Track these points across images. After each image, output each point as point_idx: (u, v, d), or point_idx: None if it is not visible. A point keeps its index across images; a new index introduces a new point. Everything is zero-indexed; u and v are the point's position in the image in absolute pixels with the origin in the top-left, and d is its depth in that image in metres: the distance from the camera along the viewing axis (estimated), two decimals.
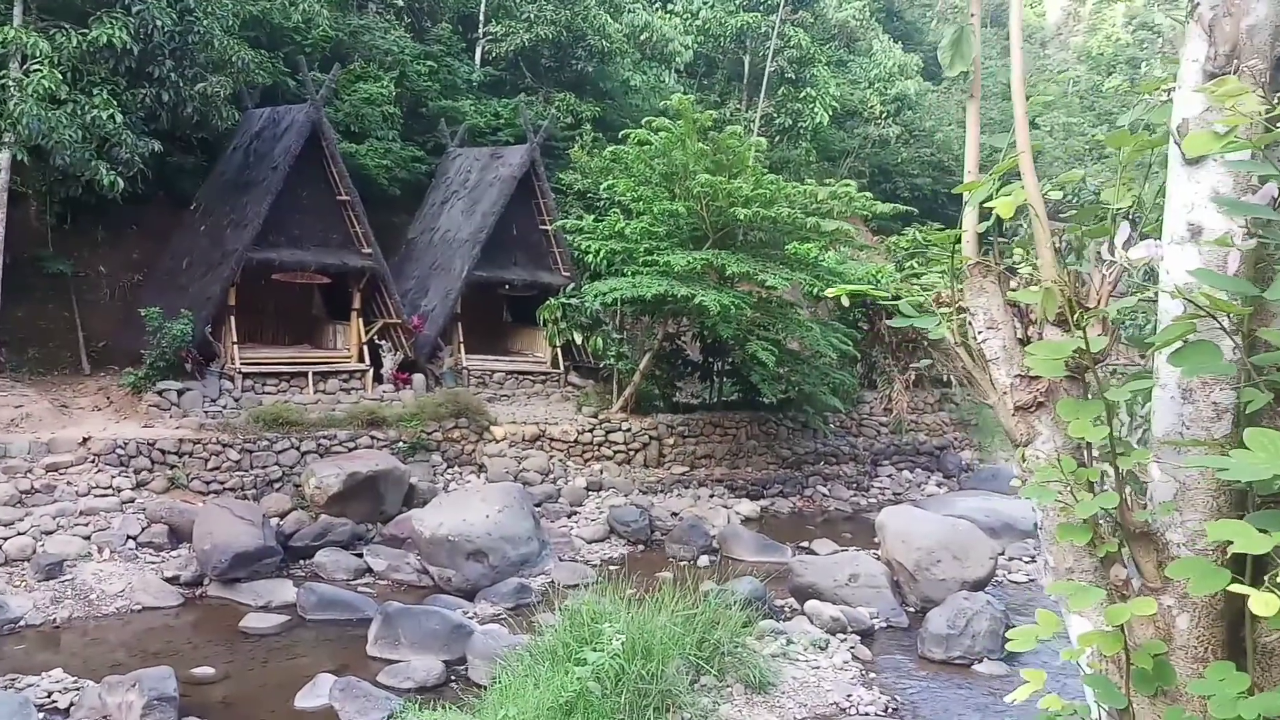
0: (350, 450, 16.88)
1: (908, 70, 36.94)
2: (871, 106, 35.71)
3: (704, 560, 16.39)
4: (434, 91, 26.38)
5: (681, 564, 15.79)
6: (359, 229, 19.81)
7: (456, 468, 18.26)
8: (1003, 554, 16.20)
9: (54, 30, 17.13)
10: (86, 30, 17.27)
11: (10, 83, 16.03)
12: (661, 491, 19.17)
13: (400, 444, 17.61)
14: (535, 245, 23.32)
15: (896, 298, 3.05)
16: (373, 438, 17.34)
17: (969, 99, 3.17)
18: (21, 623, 11.99)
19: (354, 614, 12.94)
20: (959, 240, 2.96)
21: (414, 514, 15.44)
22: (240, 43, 20.79)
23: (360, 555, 15.15)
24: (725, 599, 11.13)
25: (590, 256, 20.15)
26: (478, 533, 14.46)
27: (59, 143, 16.41)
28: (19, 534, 13.34)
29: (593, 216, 20.78)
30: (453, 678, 11.14)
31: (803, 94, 31.96)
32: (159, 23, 18.07)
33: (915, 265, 22.28)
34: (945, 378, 24.23)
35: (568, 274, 22.90)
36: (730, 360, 21.62)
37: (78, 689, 10.25)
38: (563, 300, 21.42)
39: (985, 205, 2.74)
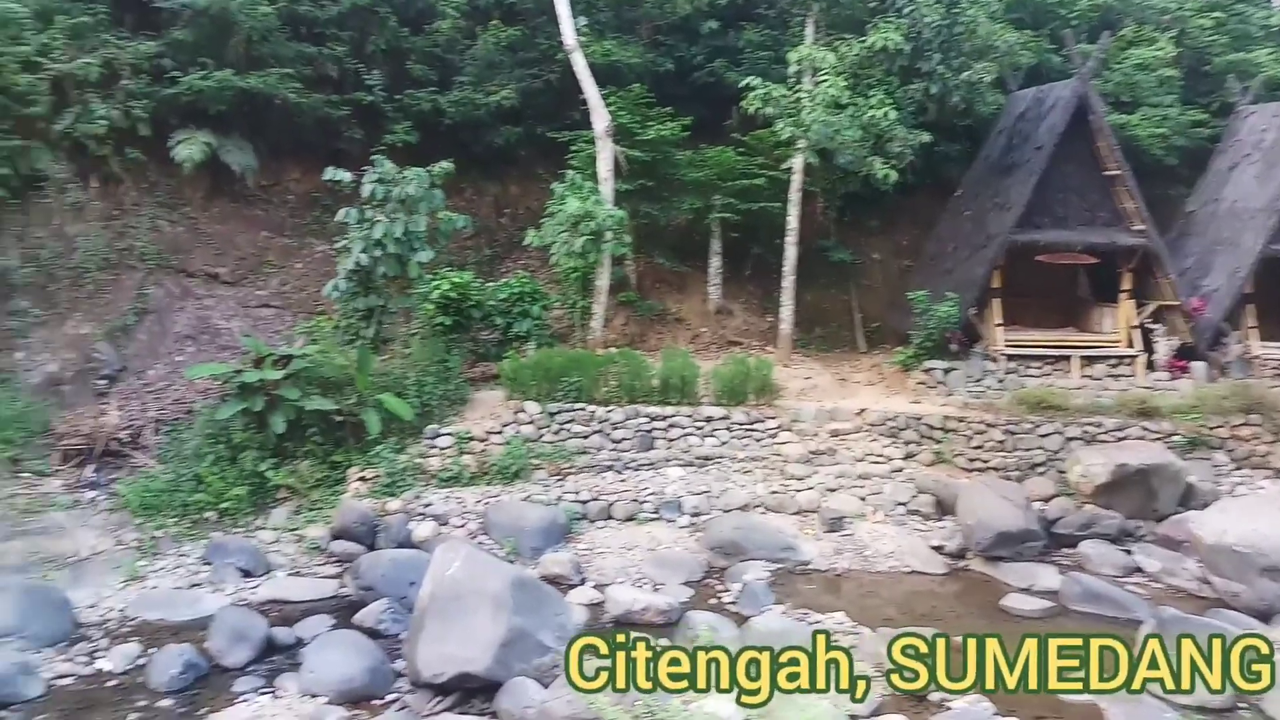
0: (1118, 440, 15.77)
1: None
2: None
3: None
4: (1220, 45, 23.43)
5: None
6: (1129, 204, 18.38)
7: (1246, 470, 15.87)
8: None
9: (837, 42, 18.99)
10: (864, 38, 18.81)
11: (804, 95, 18.20)
12: None
13: (1175, 438, 15.89)
14: None
15: None
16: (1143, 429, 15.93)
17: None
18: (810, 565, 13.56)
19: (1121, 612, 12.10)
20: None
21: (1192, 516, 13.91)
22: (1004, 26, 20.78)
23: (1129, 552, 14.08)
24: None
25: None
26: (1273, 546, 12.35)
27: (841, 144, 18.23)
28: (808, 489, 15.12)
29: None
30: (1242, 703, 9.71)
31: None
32: (928, 19, 18.94)
33: None
34: None
35: None
36: None
37: (856, 634, 11.17)
38: None
39: None
